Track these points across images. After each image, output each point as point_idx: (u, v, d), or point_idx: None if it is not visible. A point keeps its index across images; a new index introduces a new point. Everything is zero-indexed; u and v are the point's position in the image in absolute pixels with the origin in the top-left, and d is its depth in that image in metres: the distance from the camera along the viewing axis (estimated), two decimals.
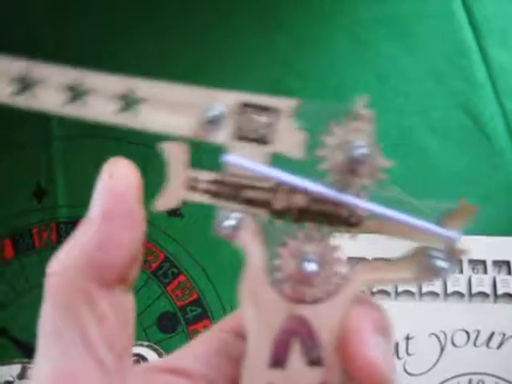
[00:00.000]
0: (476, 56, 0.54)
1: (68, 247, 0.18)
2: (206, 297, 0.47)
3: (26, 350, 0.47)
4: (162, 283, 0.48)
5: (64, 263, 0.18)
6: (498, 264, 0.48)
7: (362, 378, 0.18)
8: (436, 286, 0.47)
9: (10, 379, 0.45)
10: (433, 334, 0.46)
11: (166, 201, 0.19)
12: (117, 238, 0.18)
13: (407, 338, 0.46)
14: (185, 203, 0.19)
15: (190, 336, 0.46)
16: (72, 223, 0.50)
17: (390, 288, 0.47)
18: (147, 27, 0.57)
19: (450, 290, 0.47)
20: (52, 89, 0.19)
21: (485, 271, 0.48)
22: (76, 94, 0.19)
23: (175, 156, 0.19)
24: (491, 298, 0.47)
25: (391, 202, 0.19)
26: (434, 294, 0.47)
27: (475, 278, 0.47)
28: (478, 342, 0.46)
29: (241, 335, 0.20)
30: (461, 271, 0.48)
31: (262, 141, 0.19)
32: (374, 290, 0.47)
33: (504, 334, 0.46)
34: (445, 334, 0.46)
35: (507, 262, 0.48)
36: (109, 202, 0.18)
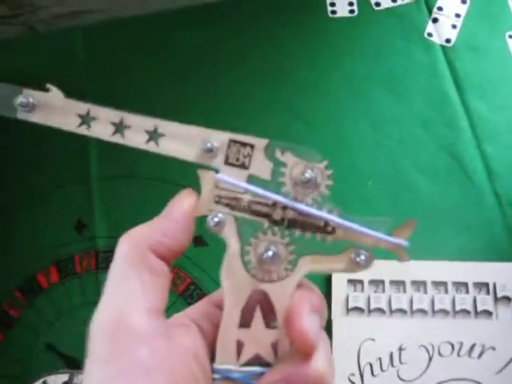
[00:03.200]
0: (458, 106, 0.59)
1: (142, 227, 0.25)
2: None
3: (71, 363, 0.52)
4: (188, 303, 0.53)
5: (133, 237, 0.25)
6: (477, 285, 0.51)
7: (298, 342, 0.23)
8: (424, 304, 0.50)
9: None
10: (422, 345, 0.49)
11: (199, 209, 0.25)
12: (171, 231, 0.25)
13: (400, 349, 0.49)
14: (211, 212, 0.25)
15: None
16: (110, 251, 0.55)
17: (385, 307, 0.50)
18: (168, 77, 0.63)
19: (436, 307, 0.50)
20: (103, 123, 0.25)
21: (467, 291, 0.50)
22: (118, 128, 0.25)
23: (206, 178, 0.25)
24: (472, 314, 0.49)
25: (354, 218, 0.24)
26: (422, 311, 0.50)
27: (458, 298, 0.50)
28: (462, 353, 0.48)
29: (221, 308, 0.25)
30: (446, 292, 0.50)
31: (242, 166, 0.25)
32: (372, 308, 0.50)
33: (483, 346, 0.48)
34: (432, 345, 0.49)
35: (486, 284, 0.50)
36: (170, 212, 0.26)
